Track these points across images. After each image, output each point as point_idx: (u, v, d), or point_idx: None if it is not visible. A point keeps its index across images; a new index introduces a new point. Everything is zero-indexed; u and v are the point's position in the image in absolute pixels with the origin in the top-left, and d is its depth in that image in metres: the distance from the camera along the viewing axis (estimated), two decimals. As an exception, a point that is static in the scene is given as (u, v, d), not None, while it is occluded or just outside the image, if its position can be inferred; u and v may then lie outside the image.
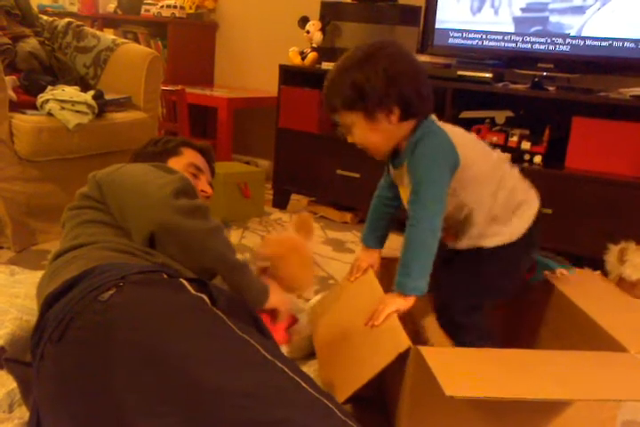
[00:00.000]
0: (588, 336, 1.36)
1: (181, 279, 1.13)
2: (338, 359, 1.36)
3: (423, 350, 1.14)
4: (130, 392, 0.94)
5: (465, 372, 1.10)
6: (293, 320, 1.66)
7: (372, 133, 1.34)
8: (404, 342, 1.18)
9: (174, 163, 1.58)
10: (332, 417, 0.93)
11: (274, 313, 1.44)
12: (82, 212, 1.34)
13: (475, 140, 1.42)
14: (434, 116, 1.38)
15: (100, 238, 1.26)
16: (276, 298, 1.41)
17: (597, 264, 2.23)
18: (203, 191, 1.62)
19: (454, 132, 1.36)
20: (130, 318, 1.02)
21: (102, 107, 2.37)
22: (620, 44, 2.32)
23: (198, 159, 1.67)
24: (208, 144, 1.78)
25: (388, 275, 1.55)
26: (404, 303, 1.29)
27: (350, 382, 1.24)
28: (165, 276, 1.14)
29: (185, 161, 1.61)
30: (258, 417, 0.89)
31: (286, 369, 0.99)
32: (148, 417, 0.91)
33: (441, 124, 1.37)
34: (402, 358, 1.21)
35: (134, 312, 1.03)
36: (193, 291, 1.11)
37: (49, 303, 1.11)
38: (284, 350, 1.60)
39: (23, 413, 1.24)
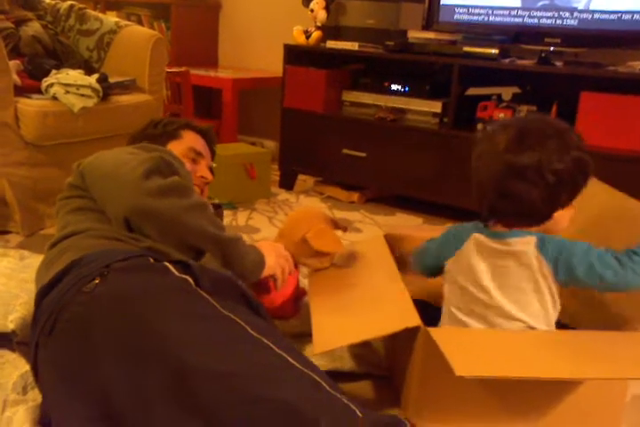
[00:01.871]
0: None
1: (165, 262, 1.13)
2: (334, 318, 1.32)
3: (432, 331, 1.15)
4: (118, 382, 0.96)
5: (474, 352, 1.11)
6: (302, 292, 1.66)
7: None
8: (414, 318, 1.19)
9: (173, 147, 1.56)
10: (320, 391, 0.94)
11: (273, 279, 1.41)
12: (70, 201, 1.34)
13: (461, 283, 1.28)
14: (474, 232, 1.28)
15: (89, 226, 1.26)
16: (272, 264, 1.37)
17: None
18: (202, 177, 1.60)
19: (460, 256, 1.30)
20: (112, 307, 1.03)
21: (107, 90, 2.37)
22: (630, 16, 2.29)
23: (198, 143, 1.65)
24: (209, 125, 1.75)
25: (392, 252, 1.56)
26: None
27: (344, 337, 1.22)
28: (151, 260, 1.13)
29: (184, 145, 1.59)
30: (245, 396, 0.90)
31: (272, 346, 0.99)
32: (138, 405, 0.94)
33: (471, 244, 1.27)
34: (409, 337, 1.22)
35: (117, 301, 1.04)
36: (177, 273, 1.11)
37: (42, 295, 1.13)
38: (293, 323, 1.61)
39: (36, 395, 1.25)
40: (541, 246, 1.20)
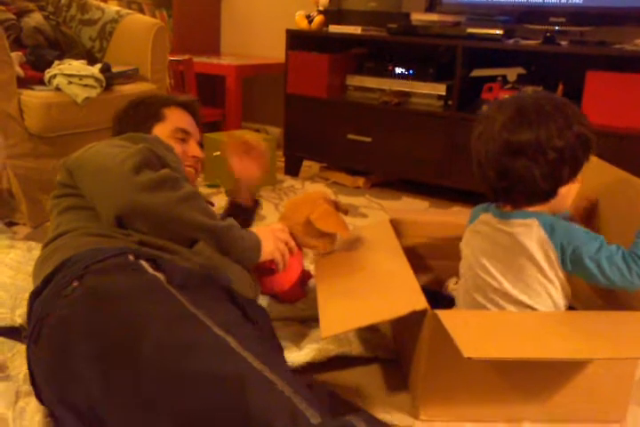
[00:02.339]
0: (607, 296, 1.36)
1: (141, 260, 1.12)
2: (341, 302, 1.32)
3: (439, 313, 1.15)
4: (95, 385, 0.97)
5: (482, 334, 1.11)
6: (308, 275, 1.66)
7: None
8: (421, 302, 1.19)
9: (159, 130, 1.54)
10: (275, 396, 0.91)
11: (273, 264, 1.41)
12: (62, 200, 1.33)
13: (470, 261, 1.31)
14: (484, 212, 1.31)
15: (80, 225, 1.25)
16: (271, 249, 1.36)
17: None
18: (194, 157, 1.58)
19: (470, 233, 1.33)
20: (86, 310, 1.04)
21: (110, 80, 2.36)
22: (635, -7, 2.26)
23: (184, 119, 1.61)
24: (191, 97, 1.70)
25: (397, 235, 1.56)
26: None
27: (351, 321, 1.22)
28: (131, 256, 1.12)
29: (170, 127, 1.56)
30: (198, 402, 0.90)
31: (235, 346, 0.97)
32: (113, 406, 0.95)
33: (480, 222, 1.30)
34: (417, 320, 1.22)
35: (89, 304, 1.04)
36: (150, 271, 1.10)
37: (34, 298, 1.15)
38: (300, 306, 1.62)
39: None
40: (550, 231, 1.19)
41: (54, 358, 1.04)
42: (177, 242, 1.23)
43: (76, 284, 1.07)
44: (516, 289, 1.22)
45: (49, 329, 1.06)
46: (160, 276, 1.09)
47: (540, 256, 1.19)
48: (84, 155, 1.33)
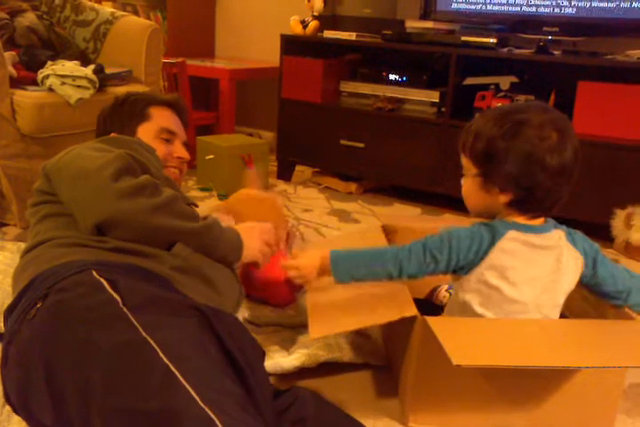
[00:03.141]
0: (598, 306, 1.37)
1: (102, 279, 1.08)
2: (331, 307, 1.31)
3: (429, 320, 1.15)
4: (49, 408, 0.98)
5: (471, 341, 1.11)
6: (299, 286, 1.67)
7: None
8: (411, 309, 1.20)
9: (144, 131, 1.52)
10: None
11: (255, 265, 1.40)
12: (40, 208, 1.30)
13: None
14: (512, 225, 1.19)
15: (57, 234, 1.23)
16: (252, 251, 1.36)
17: (604, 230, 2.22)
18: (179, 158, 1.56)
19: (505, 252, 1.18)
20: (43, 331, 1.03)
21: (103, 81, 2.36)
22: (628, 4, 2.28)
23: (169, 119, 1.59)
24: (175, 95, 1.68)
25: (389, 241, 1.56)
26: None
27: (340, 325, 1.23)
28: (95, 273, 1.09)
29: (155, 127, 1.54)
30: None
31: (178, 374, 0.91)
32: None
33: (514, 238, 1.18)
34: (407, 327, 1.23)
35: (47, 325, 1.03)
36: (109, 290, 1.06)
37: (7, 315, 1.14)
38: (290, 313, 1.63)
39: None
40: (572, 240, 1.21)
41: (19, 378, 1.04)
42: (156, 246, 1.21)
43: (39, 304, 1.06)
44: (550, 302, 1.21)
45: (15, 349, 1.06)
46: (116, 296, 1.05)
47: (571, 266, 1.21)
48: (63, 158, 1.29)
